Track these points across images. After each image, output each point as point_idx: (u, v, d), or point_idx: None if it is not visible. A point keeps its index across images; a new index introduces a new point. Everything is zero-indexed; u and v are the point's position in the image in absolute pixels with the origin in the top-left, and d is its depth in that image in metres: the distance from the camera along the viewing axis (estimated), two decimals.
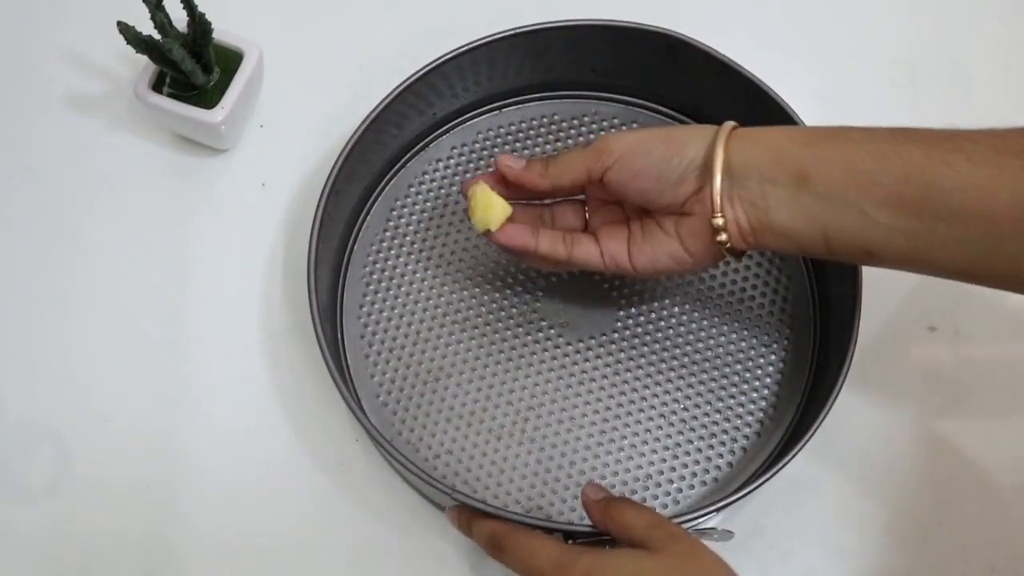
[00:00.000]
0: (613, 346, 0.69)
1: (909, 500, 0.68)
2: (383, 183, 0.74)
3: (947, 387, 0.71)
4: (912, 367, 0.71)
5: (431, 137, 0.75)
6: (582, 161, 0.61)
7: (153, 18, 0.68)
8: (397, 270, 0.71)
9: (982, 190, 0.50)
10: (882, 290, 0.71)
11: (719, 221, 0.57)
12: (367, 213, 0.73)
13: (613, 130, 0.76)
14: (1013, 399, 0.71)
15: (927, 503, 0.68)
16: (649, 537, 0.53)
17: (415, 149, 0.74)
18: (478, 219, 0.62)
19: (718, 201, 0.57)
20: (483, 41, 0.69)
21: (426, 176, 0.74)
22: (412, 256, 0.72)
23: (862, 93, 0.80)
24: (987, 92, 0.80)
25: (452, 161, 0.75)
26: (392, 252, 0.72)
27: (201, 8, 0.69)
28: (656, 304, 0.70)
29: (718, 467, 0.66)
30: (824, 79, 0.80)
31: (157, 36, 0.69)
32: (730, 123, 0.58)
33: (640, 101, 0.76)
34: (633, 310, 0.70)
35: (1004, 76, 0.81)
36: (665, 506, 0.65)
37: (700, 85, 0.72)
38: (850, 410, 0.68)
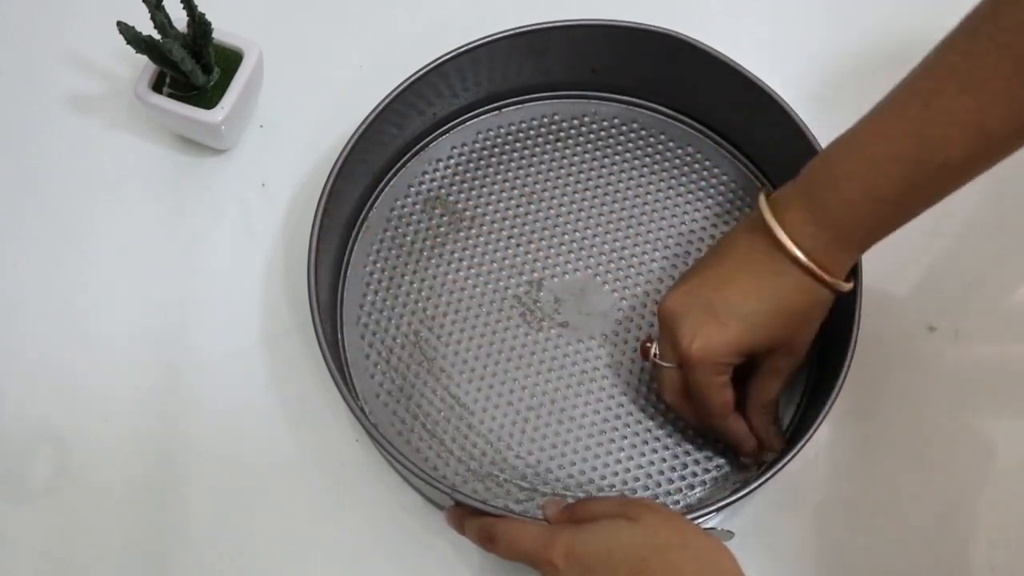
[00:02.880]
0: (613, 346, 0.69)
1: (909, 500, 0.68)
2: (383, 183, 0.73)
3: (947, 387, 0.71)
4: (912, 367, 0.71)
5: (431, 137, 0.75)
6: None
7: (153, 18, 0.68)
8: (397, 270, 0.71)
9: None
10: (882, 290, 0.71)
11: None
12: (367, 213, 0.73)
13: (613, 129, 0.76)
14: (1013, 399, 0.71)
15: (927, 503, 0.68)
16: (624, 512, 0.54)
17: (415, 149, 0.74)
18: None
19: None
20: (483, 41, 0.69)
21: (426, 176, 0.74)
22: (412, 256, 0.72)
23: (862, 94, 0.80)
24: None
25: (452, 161, 0.75)
26: (392, 252, 0.72)
27: (201, 8, 0.69)
28: (657, 304, 0.70)
29: (718, 467, 0.66)
30: (824, 79, 0.80)
31: (157, 36, 0.69)
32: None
33: (640, 101, 0.75)
34: (633, 310, 0.70)
35: None
36: (663, 506, 0.65)
37: (700, 85, 0.72)
38: (850, 410, 0.68)
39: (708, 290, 0.60)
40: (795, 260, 0.58)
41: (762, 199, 0.60)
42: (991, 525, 0.67)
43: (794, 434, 0.66)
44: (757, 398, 0.63)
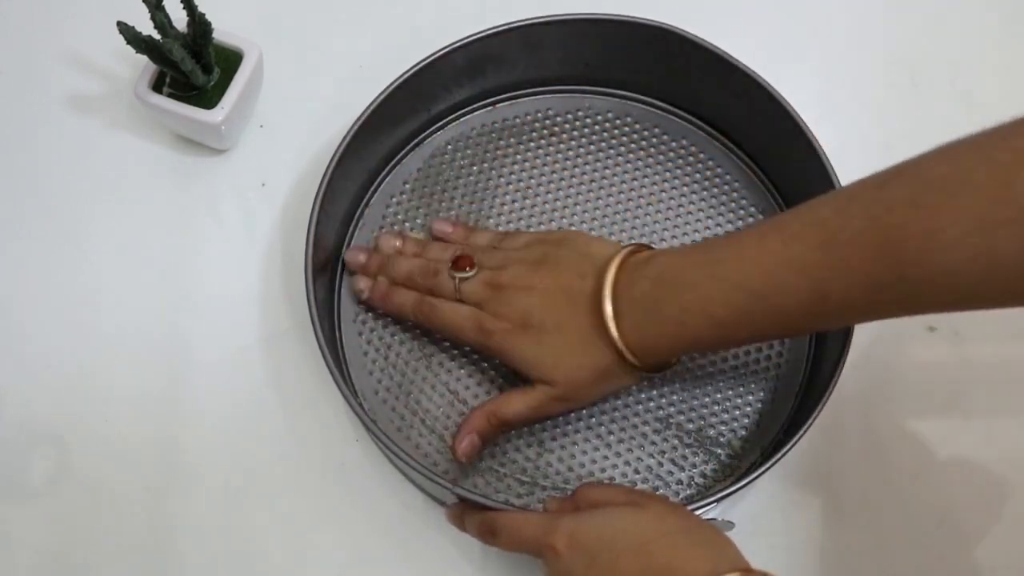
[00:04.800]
0: None
1: (908, 500, 0.68)
2: (379, 180, 0.74)
3: (946, 387, 0.71)
4: (912, 367, 0.71)
5: (426, 133, 0.75)
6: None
7: (153, 18, 0.68)
8: None
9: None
10: None
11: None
12: (363, 209, 0.73)
13: (608, 124, 0.76)
14: (1013, 399, 0.71)
15: (926, 503, 0.68)
16: (629, 500, 0.54)
17: (410, 146, 0.75)
18: None
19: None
20: (476, 37, 0.69)
21: (421, 173, 0.74)
22: None
23: (860, 92, 0.80)
24: (987, 93, 0.80)
25: (447, 157, 0.75)
26: None
27: (201, 8, 0.70)
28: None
29: (717, 460, 0.66)
30: (820, 75, 0.80)
31: (157, 36, 0.69)
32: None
33: (634, 95, 0.76)
34: None
35: (1005, 77, 0.81)
36: (666, 498, 0.65)
37: (694, 78, 0.72)
38: (849, 410, 0.68)
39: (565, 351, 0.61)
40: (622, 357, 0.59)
41: (607, 289, 0.59)
42: (991, 525, 0.67)
43: (790, 427, 0.66)
44: (498, 406, 0.63)
